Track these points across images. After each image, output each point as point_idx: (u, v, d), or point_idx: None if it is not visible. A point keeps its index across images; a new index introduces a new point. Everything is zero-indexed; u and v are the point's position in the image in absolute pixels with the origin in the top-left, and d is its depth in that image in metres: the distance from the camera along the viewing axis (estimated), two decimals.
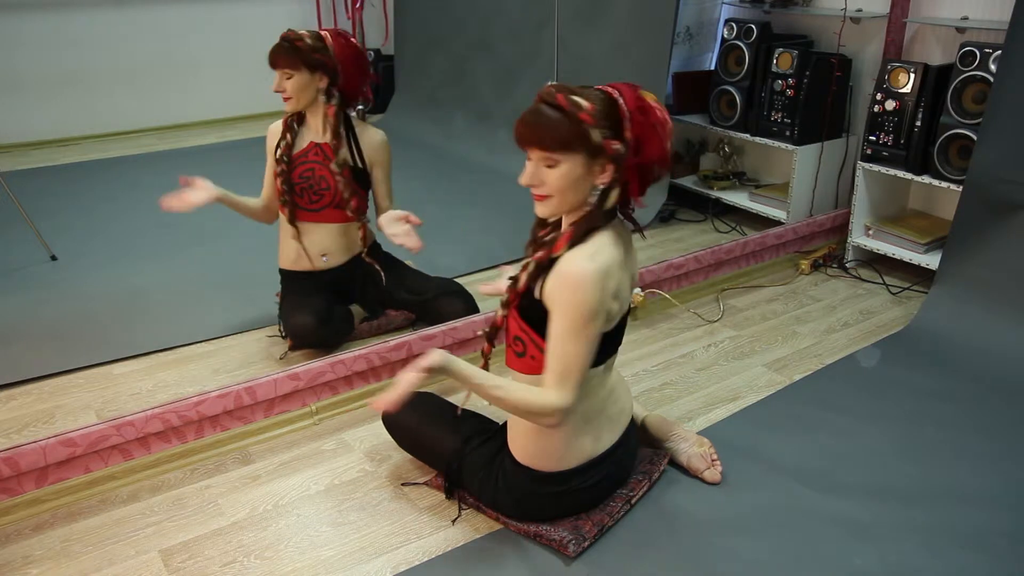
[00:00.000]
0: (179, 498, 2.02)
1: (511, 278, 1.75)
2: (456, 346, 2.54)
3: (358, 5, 5.07)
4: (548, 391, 1.62)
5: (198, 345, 2.67)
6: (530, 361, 1.73)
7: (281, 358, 2.58)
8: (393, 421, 2.04)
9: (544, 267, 1.65)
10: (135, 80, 5.21)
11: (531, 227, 1.80)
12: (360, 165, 2.59)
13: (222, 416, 2.19)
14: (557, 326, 1.61)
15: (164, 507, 1.99)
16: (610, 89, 1.61)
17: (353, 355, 2.36)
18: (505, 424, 1.91)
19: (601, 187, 1.64)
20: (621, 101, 1.59)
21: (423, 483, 2.03)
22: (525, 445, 1.80)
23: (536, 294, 1.67)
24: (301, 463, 2.15)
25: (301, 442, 2.24)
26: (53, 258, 3.29)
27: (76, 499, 2.01)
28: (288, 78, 2.43)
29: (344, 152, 2.53)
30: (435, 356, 1.60)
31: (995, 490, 2.02)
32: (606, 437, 1.83)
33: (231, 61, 5.42)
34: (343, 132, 2.53)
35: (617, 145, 1.58)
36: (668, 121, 1.62)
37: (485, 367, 1.80)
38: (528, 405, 1.62)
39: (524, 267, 1.71)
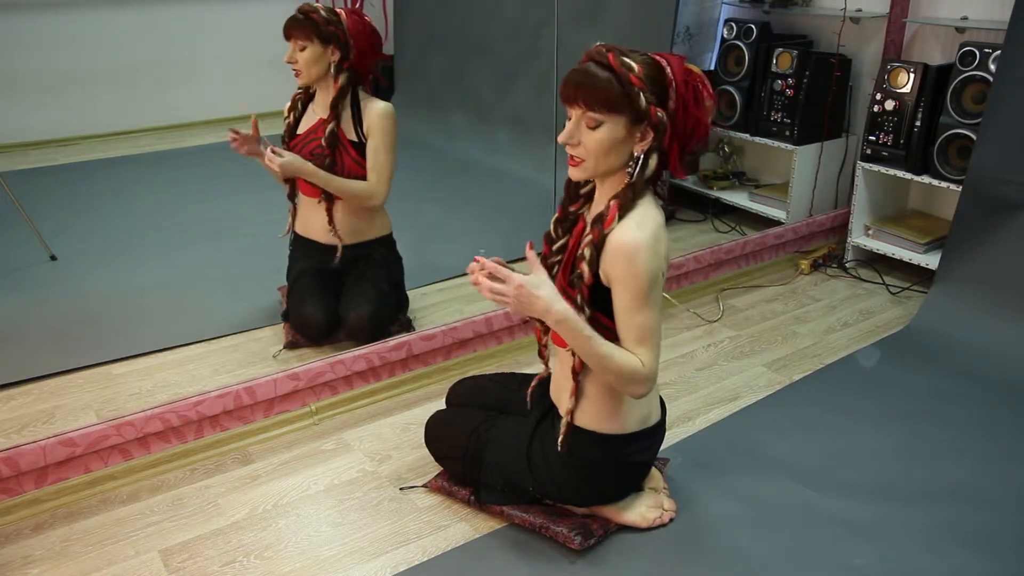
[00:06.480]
0: (179, 498, 2.02)
1: (572, 276, 1.68)
2: (457, 346, 2.55)
3: (358, 5, 5.08)
4: (635, 357, 1.60)
5: (198, 345, 2.67)
6: None
7: (276, 356, 2.58)
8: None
9: (599, 247, 1.61)
10: (135, 80, 5.20)
11: (560, 202, 1.76)
12: (362, 140, 2.51)
13: (222, 416, 2.19)
14: (622, 300, 1.59)
15: (164, 507, 1.99)
16: (658, 57, 1.60)
17: (353, 355, 2.36)
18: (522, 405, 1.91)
19: (639, 155, 1.62)
20: (669, 69, 1.58)
21: (421, 486, 2.03)
22: (589, 406, 1.75)
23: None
24: (301, 463, 2.15)
25: (301, 442, 2.24)
26: (53, 258, 3.28)
27: (76, 499, 2.01)
28: (301, 50, 2.40)
29: (333, 126, 2.46)
30: (548, 296, 1.54)
31: (995, 490, 2.02)
32: (655, 408, 1.83)
33: (231, 61, 5.42)
34: (344, 108, 2.48)
35: (661, 113, 1.57)
36: (712, 96, 1.62)
37: (546, 353, 1.86)
38: (631, 368, 1.59)
39: (570, 259, 1.69)
